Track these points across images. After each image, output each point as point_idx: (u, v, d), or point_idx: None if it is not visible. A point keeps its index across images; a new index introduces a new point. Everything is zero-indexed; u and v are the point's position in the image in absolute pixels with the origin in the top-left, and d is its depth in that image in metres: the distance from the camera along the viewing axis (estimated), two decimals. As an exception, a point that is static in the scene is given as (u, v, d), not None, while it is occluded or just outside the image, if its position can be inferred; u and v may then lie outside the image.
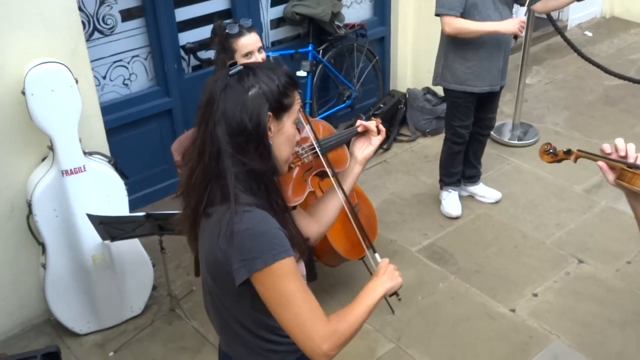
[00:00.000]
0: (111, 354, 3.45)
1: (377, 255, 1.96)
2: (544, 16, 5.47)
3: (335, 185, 2.03)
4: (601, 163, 1.80)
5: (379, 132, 2.09)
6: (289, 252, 1.65)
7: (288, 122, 1.76)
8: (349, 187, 2.09)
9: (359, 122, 2.14)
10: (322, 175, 2.38)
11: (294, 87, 1.77)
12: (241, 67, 1.72)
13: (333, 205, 2.04)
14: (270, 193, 1.73)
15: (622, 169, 1.76)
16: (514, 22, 3.76)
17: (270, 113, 1.70)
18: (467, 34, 3.80)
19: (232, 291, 1.68)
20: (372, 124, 2.10)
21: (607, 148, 1.83)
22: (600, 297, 3.69)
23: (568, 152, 1.96)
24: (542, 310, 3.63)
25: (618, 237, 4.13)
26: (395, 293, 1.86)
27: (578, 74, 6.19)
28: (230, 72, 1.70)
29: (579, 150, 1.92)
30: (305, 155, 2.23)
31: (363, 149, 2.10)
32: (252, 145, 1.68)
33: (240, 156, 1.67)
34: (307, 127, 2.10)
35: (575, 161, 1.95)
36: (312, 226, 2.01)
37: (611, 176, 1.79)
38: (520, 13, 5.04)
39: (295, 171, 2.27)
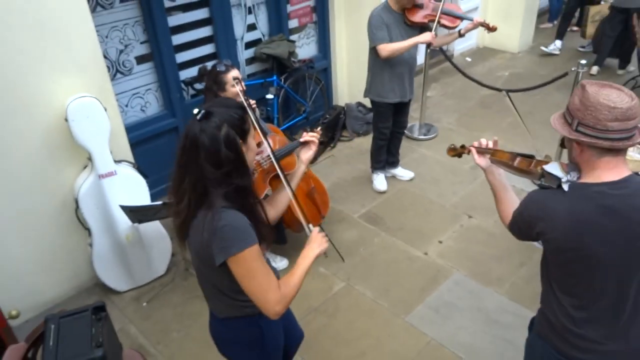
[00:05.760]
0: (144, 304, 3.42)
1: (310, 226, 1.94)
2: (438, 49, 5.51)
3: (284, 183, 1.99)
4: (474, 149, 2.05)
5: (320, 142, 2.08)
6: (255, 240, 1.63)
7: (250, 139, 1.69)
8: (296, 181, 2.06)
9: (304, 134, 2.12)
10: (277, 177, 2.34)
11: (246, 112, 1.68)
12: (204, 111, 1.59)
13: (284, 197, 2.02)
14: (248, 197, 1.67)
15: (493, 151, 1.97)
16: (427, 34, 3.72)
17: (240, 140, 1.62)
18: (397, 51, 3.69)
19: (214, 269, 1.65)
20: (312, 137, 2.06)
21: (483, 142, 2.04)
22: (484, 241, 3.78)
23: (462, 147, 2.16)
24: (445, 252, 3.70)
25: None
26: (324, 253, 1.85)
27: (462, 87, 6.26)
28: (199, 117, 1.59)
29: (470, 146, 2.09)
30: (264, 162, 2.32)
31: (305, 152, 2.08)
32: (235, 169, 1.62)
33: (229, 179, 1.61)
34: (265, 144, 2.01)
35: (468, 153, 2.11)
36: (271, 211, 2.00)
37: (483, 160, 2.01)
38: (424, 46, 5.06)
39: (256, 175, 2.33)
